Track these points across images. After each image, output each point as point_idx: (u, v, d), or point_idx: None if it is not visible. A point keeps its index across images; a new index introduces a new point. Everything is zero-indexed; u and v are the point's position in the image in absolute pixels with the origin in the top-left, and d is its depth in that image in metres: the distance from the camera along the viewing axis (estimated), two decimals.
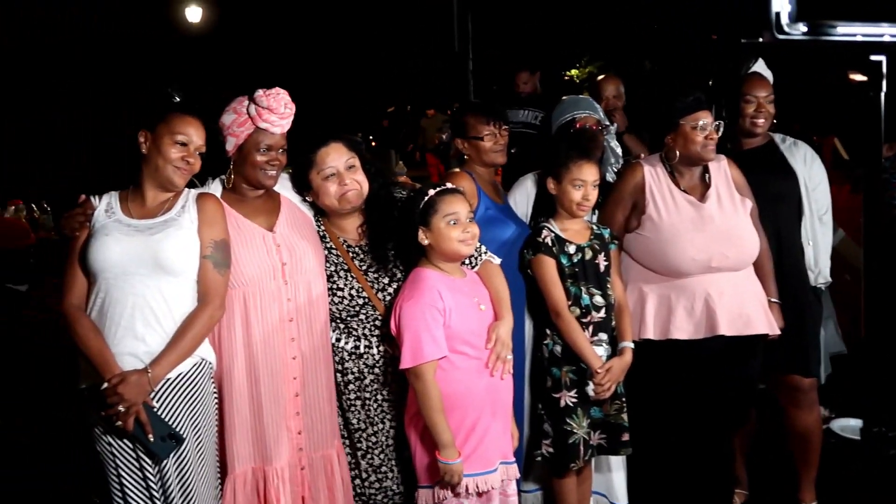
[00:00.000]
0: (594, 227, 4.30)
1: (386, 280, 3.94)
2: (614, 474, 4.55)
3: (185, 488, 3.48)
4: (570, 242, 4.17)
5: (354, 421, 3.95)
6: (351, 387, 3.94)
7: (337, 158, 3.88)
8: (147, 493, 3.48)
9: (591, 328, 4.11)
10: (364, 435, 3.95)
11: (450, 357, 3.65)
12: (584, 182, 4.12)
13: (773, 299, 4.40)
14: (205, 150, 3.61)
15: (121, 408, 3.32)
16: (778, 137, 4.89)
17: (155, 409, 3.41)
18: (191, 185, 3.73)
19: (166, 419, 3.42)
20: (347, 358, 3.93)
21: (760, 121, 4.74)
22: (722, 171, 4.40)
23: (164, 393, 3.45)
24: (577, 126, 4.64)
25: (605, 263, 4.21)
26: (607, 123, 4.81)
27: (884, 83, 5.06)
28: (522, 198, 4.60)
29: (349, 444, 3.98)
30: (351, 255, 3.95)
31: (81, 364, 3.50)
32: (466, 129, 4.43)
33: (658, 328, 4.24)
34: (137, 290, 3.44)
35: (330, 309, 3.91)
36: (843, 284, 5.93)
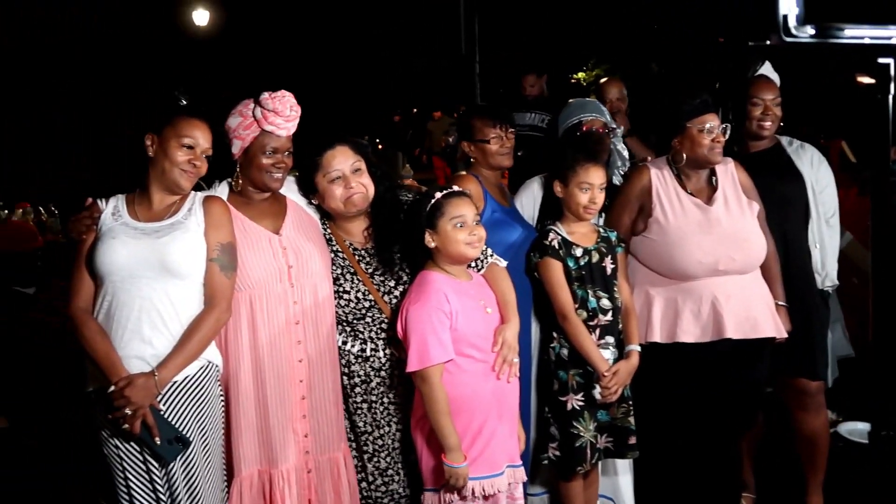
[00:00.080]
0: (601, 230, 4.29)
1: (392, 283, 3.94)
2: (621, 478, 4.54)
3: (192, 491, 3.49)
4: (577, 245, 4.17)
5: (361, 424, 3.95)
6: (357, 390, 3.94)
7: (343, 161, 3.88)
8: (154, 496, 3.48)
9: (597, 331, 4.11)
10: (370, 438, 3.95)
11: (456, 360, 3.65)
12: (591, 185, 4.12)
13: (780, 302, 4.40)
14: (211, 153, 3.61)
15: (127, 411, 3.32)
16: (785, 140, 4.88)
17: (162, 412, 3.41)
18: (197, 187, 3.73)
19: (173, 422, 3.43)
20: (354, 361, 3.93)
21: (767, 123, 4.73)
22: (729, 174, 4.39)
23: (170, 396, 3.45)
24: (584, 129, 4.63)
25: (612, 266, 4.21)
26: (614, 126, 4.80)
27: (892, 86, 5.04)
28: (529, 201, 4.60)
29: (355, 447, 3.98)
30: (357, 258, 3.96)
31: (88, 367, 3.51)
32: (473, 132, 4.43)
33: (665, 331, 4.24)
34: (144, 293, 3.45)
35: (336, 312, 3.91)
36: (850, 287, 5.92)
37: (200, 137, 3.57)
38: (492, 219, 4.23)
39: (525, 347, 4.18)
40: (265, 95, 3.75)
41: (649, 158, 4.93)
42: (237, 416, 3.74)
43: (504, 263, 4.02)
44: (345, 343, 3.94)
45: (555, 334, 4.18)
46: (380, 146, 23.24)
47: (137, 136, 3.62)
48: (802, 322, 4.55)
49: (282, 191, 3.95)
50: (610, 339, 4.12)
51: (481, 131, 4.40)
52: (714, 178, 4.37)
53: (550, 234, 4.17)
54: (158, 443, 3.37)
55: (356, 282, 3.92)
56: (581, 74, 19.41)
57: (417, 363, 3.58)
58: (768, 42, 4.99)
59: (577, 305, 4.10)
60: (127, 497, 3.50)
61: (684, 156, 4.29)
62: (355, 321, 3.92)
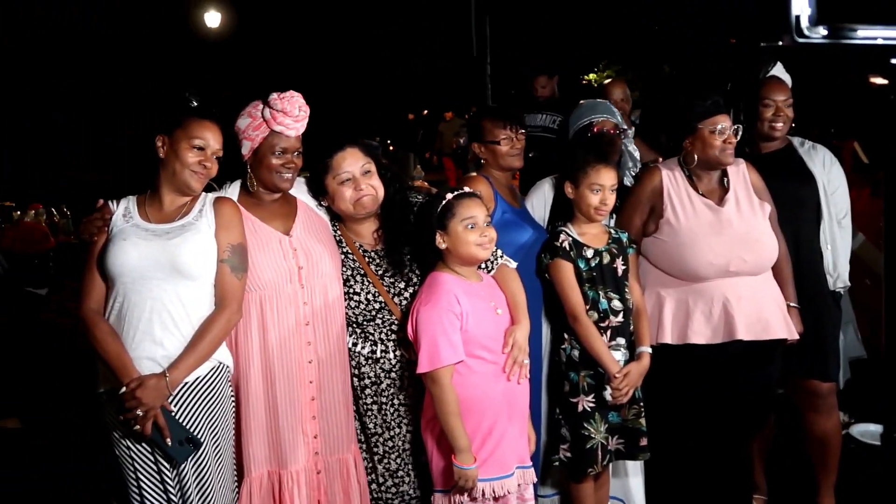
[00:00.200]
0: (612, 231, 4.29)
1: (402, 284, 3.94)
2: (632, 479, 4.53)
3: (204, 492, 3.49)
4: (588, 246, 4.16)
5: (371, 425, 3.95)
6: (367, 391, 3.94)
7: (353, 163, 3.88)
8: (165, 497, 3.49)
9: (608, 332, 4.10)
10: (381, 439, 3.95)
11: (466, 361, 3.64)
12: (602, 186, 4.11)
13: (791, 304, 4.39)
14: (222, 154, 3.62)
15: (139, 412, 3.33)
16: (796, 141, 4.87)
17: (173, 413, 3.42)
18: (209, 188, 3.74)
19: (184, 423, 3.43)
20: (364, 362, 3.93)
21: (779, 125, 4.72)
22: (740, 175, 4.38)
23: (182, 397, 3.46)
24: (595, 130, 4.63)
25: (623, 267, 4.20)
26: (625, 127, 4.80)
27: None
28: (539, 202, 4.60)
29: (366, 448, 3.99)
30: (367, 259, 3.96)
31: (100, 368, 3.52)
32: (483, 134, 4.42)
33: (676, 332, 4.23)
34: (155, 294, 3.45)
35: (346, 313, 3.91)
36: (863, 289, 5.91)
37: (211, 139, 3.57)
38: (502, 220, 4.23)
39: (535, 349, 4.18)
40: (274, 96, 3.75)
41: (660, 160, 4.93)
42: (247, 416, 3.74)
43: (514, 264, 4.02)
44: (355, 344, 3.94)
45: (566, 335, 4.18)
46: (391, 147, 23.26)
47: (145, 138, 3.63)
48: (814, 323, 4.54)
49: (292, 192, 3.96)
50: (621, 341, 4.11)
51: (491, 132, 4.40)
52: (726, 179, 4.36)
53: (561, 235, 4.16)
54: (170, 444, 3.38)
55: (366, 283, 3.92)
56: (592, 76, 19.41)
57: (428, 364, 3.58)
58: (780, 43, 4.98)
59: (588, 307, 4.10)
60: (138, 498, 3.50)
61: (696, 157, 4.29)
62: (365, 322, 3.92)
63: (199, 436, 3.45)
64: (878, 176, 6.69)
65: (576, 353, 4.13)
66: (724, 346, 4.17)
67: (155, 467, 3.48)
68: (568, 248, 4.13)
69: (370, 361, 3.93)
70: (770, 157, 4.75)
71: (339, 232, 4.01)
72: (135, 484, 3.50)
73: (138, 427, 3.35)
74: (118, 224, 3.57)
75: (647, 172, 4.48)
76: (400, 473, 3.97)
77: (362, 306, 3.91)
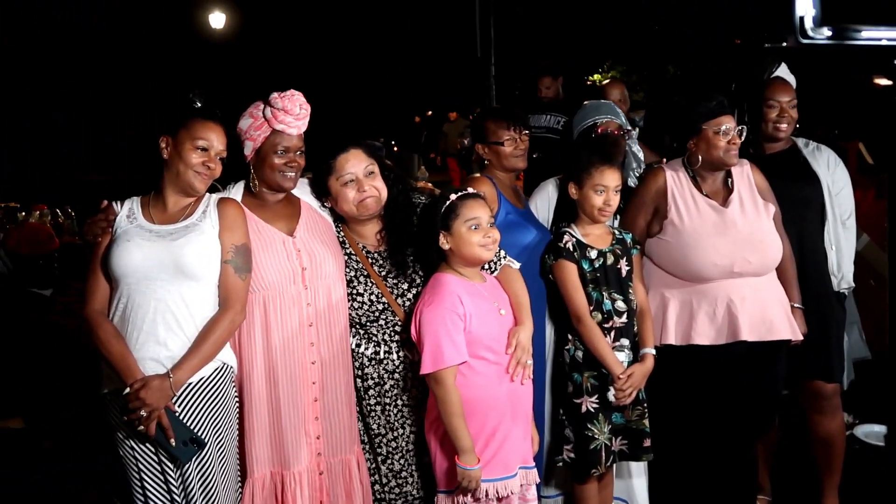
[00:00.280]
0: (616, 231, 4.29)
1: (405, 286, 3.94)
2: (635, 480, 4.53)
3: (207, 492, 3.49)
4: (592, 247, 4.16)
5: (375, 426, 3.96)
6: (371, 392, 3.94)
7: (356, 165, 3.88)
8: (169, 497, 3.49)
9: (612, 333, 4.10)
10: (384, 440, 3.96)
11: (470, 362, 3.64)
12: (606, 187, 4.11)
13: (795, 304, 4.38)
14: (226, 155, 3.62)
15: (143, 413, 3.33)
16: (801, 142, 4.86)
17: (177, 414, 3.42)
18: (213, 189, 3.74)
19: (188, 423, 3.44)
20: (367, 363, 3.93)
21: (783, 125, 4.71)
22: (745, 176, 4.38)
23: (185, 397, 3.46)
24: (599, 131, 4.63)
25: (627, 268, 4.20)
26: (629, 128, 4.79)
27: None
28: (543, 203, 4.59)
29: (369, 449, 3.99)
30: (370, 260, 3.96)
31: (104, 369, 3.52)
32: (487, 135, 4.42)
33: (680, 333, 4.23)
34: (159, 295, 3.46)
35: (349, 314, 3.92)
36: (867, 289, 5.90)
37: (215, 139, 3.58)
38: (506, 221, 4.23)
39: (539, 349, 4.18)
40: (274, 95, 3.76)
41: (664, 160, 4.92)
42: (250, 417, 3.75)
43: (517, 265, 4.02)
44: (358, 345, 3.94)
45: (569, 336, 4.18)
46: (395, 148, 23.27)
47: (149, 139, 3.63)
48: (818, 324, 4.53)
49: (296, 193, 3.96)
50: (625, 342, 4.11)
51: (495, 133, 4.40)
52: (730, 180, 4.36)
53: (565, 236, 4.16)
54: (174, 444, 3.38)
55: (369, 284, 3.92)
56: (597, 76, 19.39)
57: (431, 365, 3.58)
58: (785, 44, 4.98)
59: (591, 308, 4.10)
60: (142, 498, 3.51)
61: (700, 158, 4.28)
62: (369, 324, 3.92)
63: (202, 436, 3.45)
64: (883, 177, 6.68)
65: (579, 353, 4.13)
66: (728, 347, 4.17)
67: (159, 468, 3.48)
68: (572, 249, 4.13)
69: (373, 362, 3.93)
70: (774, 157, 4.74)
71: (342, 233, 4.01)
72: (138, 484, 3.51)
73: (142, 427, 3.36)
74: (122, 225, 3.57)
75: (650, 173, 4.48)
76: (403, 474, 3.97)
77: (365, 307, 3.91)
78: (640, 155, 4.93)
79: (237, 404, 3.70)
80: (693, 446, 4.29)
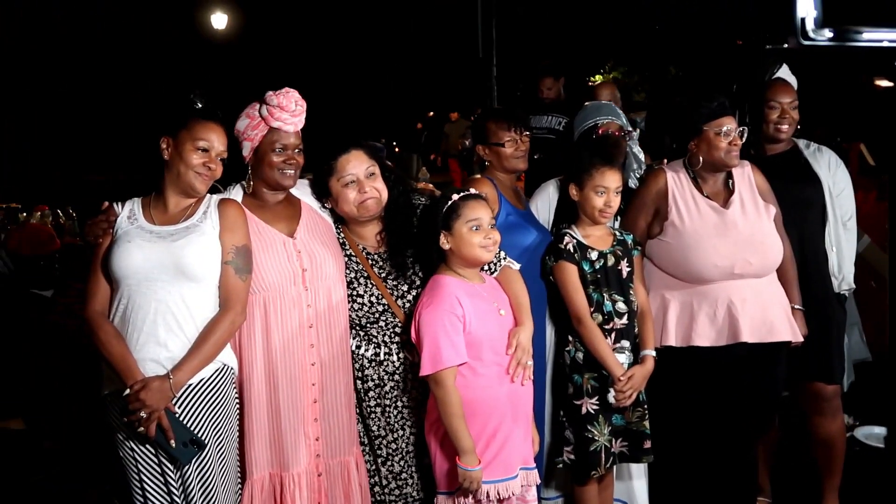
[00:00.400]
0: (617, 233, 4.28)
1: (405, 287, 3.94)
2: (636, 482, 4.53)
3: (207, 493, 3.49)
4: (593, 249, 4.16)
5: (375, 428, 3.95)
6: (371, 394, 3.94)
7: (357, 166, 3.88)
8: (169, 499, 3.49)
9: (613, 335, 4.10)
10: (384, 442, 3.95)
11: (470, 363, 3.64)
12: (607, 188, 4.11)
13: (796, 306, 4.38)
14: (226, 155, 3.63)
15: (143, 414, 3.33)
16: (802, 143, 4.86)
17: (177, 415, 3.42)
18: (214, 190, 3.74)
19: (188, 425, 3.43)
20: (367, 365, 3.93)
21: (784, 127, 4.71)
22: (746, 177, 4.37)
23: (186, 398, 3.46)
24: (600, 132, 4.62)
25: (628, 269, 4.20)
26: (630, 129, 4.79)
27: None
28: (544, 204, 4.59)
29: (369, 450, 3.99)
30: (370, 262, 3.96)
31: (104, 370, 3.52)
32: (488, 136, 4.42)
33: (680, 335, 4.22)
34: (159, 296, 3.46)
35: (350, 316, 3.92)
36: (868, 291, 5.89)
37: (215, 140, 3.58)
38: (506, 222, 4.23)
39: (539, 350, 4.18)
40: (270, 93, 3.77)
41: (665, 161, 4.92)
42: (249, 418, 3.75)
43: (517, 266, 4.02)
44: (358, 347, 3.94)
45: (570, 338, 4.18)
46: (396, 149, 23.28)
47: (150, 140, 3.63)
48: (819, 326, 4.54)
49: (296, 194, 3.96)
50: (625, 343, 4.11)
51: (496, 134, 4.40)
52: (731, 181, 4.36)
53: (565, 237, 4.16)
54: (173, 445, 3.38)
55: (369, 286, 3.92)
56: (598, 77, 19.37)
57: (430, 367, 3.58)
58: (786, 45, 4.97)
59: (592, 309, 4.09)
60: (141, 499, 3.51)
61: (701, 159, 4.28)
62: (369, 325, 3.92)
63: (202, 437, 3.45)
64: (884, 178, 6.68)
65: (580, 355, 4.13)
66: (729, 348, 4.17)
67: (158, 469, 3.48)
68: (572, 251, 4.12)
69: (373, 364, 3.93)
70: (775, 159, 4.75)
71: (342, 234, 4.01)
72: (138, 485, 3.50)
73: (142, 429, 3.36)
74: (123, 226, 3.57)
75: (651, 174, 4.48)
76: (403, 476, 3.97)
77: (365, 309, 3.91)
78: (641, 156, 4.93)
79: (237, 406, 3.70)
80: (693, 448, 4.29)
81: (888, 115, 5.26)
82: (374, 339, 3.93)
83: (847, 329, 5.01)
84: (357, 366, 3.94)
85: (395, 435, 3.95)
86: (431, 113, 24.69)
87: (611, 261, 4.17)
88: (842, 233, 4.79)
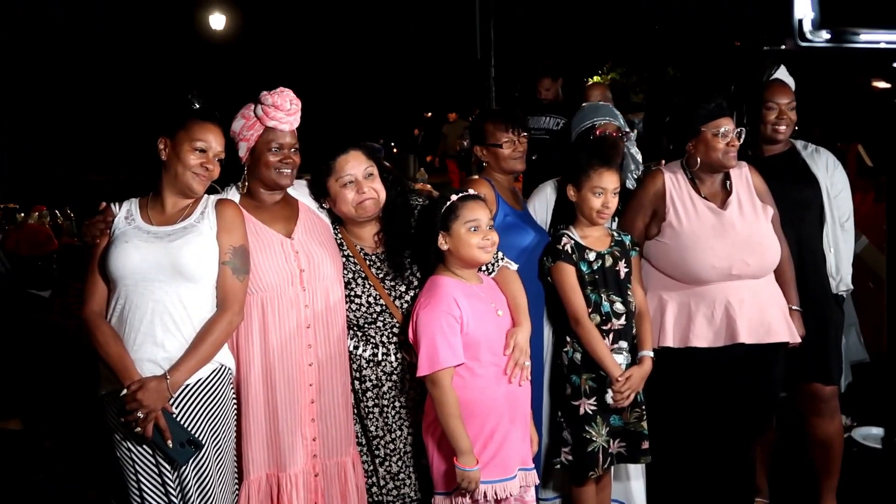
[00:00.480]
0: (614, 233, 4.28)
1: (403, 288, 3.94)
2: (633, 482, 4.53)
3: (204, 494, 3.49)
4: (590, 249, 4.16)
5: (372, 428, 3.96)
6: (369, 394, 3.94)
7: (356, 166, 3.88)
8: (166, 499, 3.49)
9: (611, 336, 4.10)
10: (382, 442, 3.95)
11: (468, 364, 3.65)
12: (605, 189, 4.11)
13: (794, 307, 4.38)
14: (224, 156, 3.63)
15: (140, 414, 3.33)
16: (800, 144, 4.87)
17: (174, 415, 3.42)
18: (211, 191, 3.74)
19: (185, 425, 3.43)
20: (365, 365, 3.93)
21: (782, 128, 4.71)
22: (743, 178, 4.38)
23: (183, 399, 3.46)
24: (597, 133, 4.62)
25: (626, 270, 4.20)
26: (627, 130, 4.79)
27: None
28: (541, 205, 4.60)
29: (367, 451, 3.99)
30: (368, 262, 3.96)
31: (101, 370, 3.52)
32: (485, 136, 4.42)
33: (678, 336, 4.23)
34: (157, 296, 3.46)
35: (347, 316, 3.92)
36: (866, 292, 5.89)
37: (213, 141, 3.58)
38: (504, 223, 4.23)
39: (537, 351, 4.18)
40: (264, 93, 3.77)
41: (663, 162, 4.92)
42: (247, 419, 3.74)
43: (515, 266, 4.02)
44: (356, 347, 3.94)
45: (568, 338, 4.18)
46: (394, 150, 23.29)
47: (148, 140, 3.63)
48: (817, 326, 4.54)
49: (294, 194, 3.96)
50: (623, 344, 4.11)
51: (494, 135, 4.40)
52: (728, 182, 4.36)
53: (563, 238, 4.16)
54: (170, 446, 3.38)
55: (367, 286, 3.92)
56: (596, 78, 19.37)
57: (427, 367, 3.58)
58: (784, 46, 4.98)
59: (590, 310, 4.10)
60: (138, 499, 3.50)
61: (699, 160, 4.29)
62: (366, 325, 3.92)
63: (200, 438, 3.45)
64: (882, 180, 6.68)
65: (578, 356, 4.13)
66: (726, 349, 4.17)
67: (156, 469, 3.48)
68: (570, 251, 4.13)
69: (371, 364, 3.93)
70: (773, 160, 4.75)
71: (340, 235, 4.01)
72: (135, 486, 3.50)
73: (139, 429, 3.35)
74: (120, 226, 3.57)
75: (649, 175, 4.48)
76: (401, 476, 3.97)
77: (363, 309, 3.91)
78: (639, 157, 4.93)
79: (235, 406, 3.70)
80: (691, 449, 4.29)
81: (886, 117, 5.26)
82: (372, 340, 3.93)
83: (844, 330, 5.02)
84: (355, 366, 3.94)
85: (393, 435, 3.95)
86: (429, 114, 24.70)
87: (609, 262, 4.17)
88: (839, 234, 4.80)
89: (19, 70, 19.43)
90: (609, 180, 4.12)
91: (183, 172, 3.54)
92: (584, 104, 4.93)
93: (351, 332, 3.94)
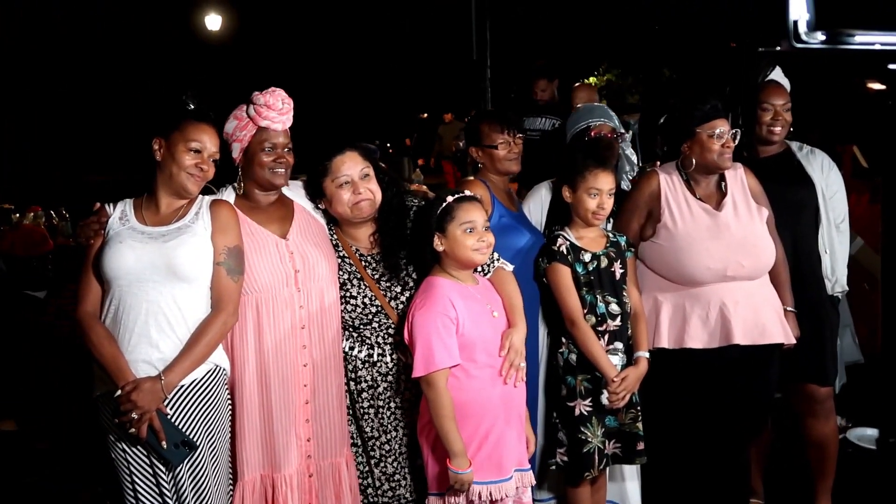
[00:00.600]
0: (610, 234, 4.28)
1: (398, 288, 3.94)
2: (628, 483, 4.54)
3: (199, 494, 3.49)
4: (586, 250, 4.16)
5: (368, 429, 3.95)
6: (364, 395, 3.94)
7: (352, 167, 3.88)
8: (161, 500, 3.48)
9: (606, 337, 4.10)
10: (377, 443, 3.95)
11: (463, 365, 3.64)
12: (600, 190, 4.11)
13: (788, 308, 4.38)
14: (219, 157, 3.62)
15: (134, 415, 3.32)
16: (795, 145, 4.87)
17: (168, 416, 3.41)
18: (207, 191, 3.74)
19: (180, 426, 3.43)
20: (361, 366, 3.93)
21: (777, 129, 4.71)
22: (738, 179, 4.38)
23: (177, 400, 3.46)
24: (592, 134, 4.63)
25: (622, 271, 4.20)
26: (622, 131, 4.79)
27: None
28: (537, 206, 4.60)
29: (362, 451, 3.99)
30: (363, 263, 3.96)
31: (96, 371, 3.51)
32: (481, 138, 4.43)
33: (672, 337, 4.23)
34: (151, 296, 3.45)
35: (343, 317, 3.92)
36: (861, 293, 5.90)
37: (208, 141, 3.57)
38: (499, 224, 4.23)
39: (532, 352, 4.18)
40: (256, 93, 3.77)
41: (658, 163, 4.92)
42: (241, 419, 3.74)
43: (510, 267, 4.02)
44: (352, 348, 3.94)
45: (563, 339, 4.18)
46: (390, 150, 23.28)
47: (143, 140, 3.63)
48: (812, 327, 4.54)
49: (289, 195, 3.96)
50: (619, 345, 4.11)
51: (489, 137, 4.40)
52: (723, 184, 4.36)
53: (559, 239, 4.16)
54: (165, 447, 3.37)
55: (363, 287, 3.92)
56: (592, 79, 19.38)
57: (423, 368, 3.58)
58: (779, 48, 4.98)
59: (585, 311, 4.09)
60: (133, 500, 3.50)
61: (694, 161, 4.28)
62: (362, 326, 3.92)
63: (194, 439, 3.44)
64: (877, 181, 6.69)
65: (573, 357, 4.13)
66: (721, 350, 4.17)
67: (150, 470, 3.47)
68: (565, 252, 4.12)
69: (367, 365, 3.93)
70: (768, 161, 4.75)
71: (335, 236, 4.01)
72: (130, 487, 3.50)
73: (134, 430, 3.35)
74: (114, 227, 3.57)
75: (644, 176, 4.48)
76: (396, 477, 3.97)
77: (359, 310, 3.91)
78: (634, 158, 4.94)
79: (230, 407, 3.70)
80: (686, 450, 4.29)
81: (881, 118, 5.27)
82: (368, 341, 3.93)
83: (839, 331, 5.02)
84: (350, 367, 3.94)
85: (389, 436, 3.95)
86: (425, 114, 24.71)
87: (604, 262, 4.17)
88: (835, 235, 4.80)
89: (19, 70, 19.39)
90: (604, 181, 4.12)
91: (177, 173, 3.54)
92: (578, 105, 4.94)
93: (346, 332, 3.94)
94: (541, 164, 5.02)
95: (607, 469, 4.26)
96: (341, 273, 3.93)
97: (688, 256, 4.19)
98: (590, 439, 4.08)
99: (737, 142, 4.27)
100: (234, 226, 3.64)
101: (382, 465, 3.96)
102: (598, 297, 4.12)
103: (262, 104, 3.73)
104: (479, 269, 3.92)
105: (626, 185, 4.74)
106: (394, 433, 3.95)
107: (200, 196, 3.67)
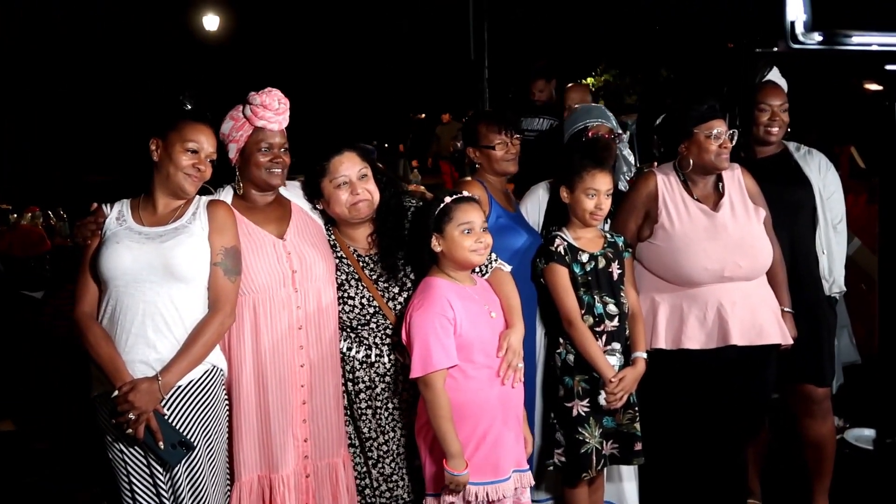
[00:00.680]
0: (607, 235, 4.28)
1: (396, 289, 3.94)
2: (626, 484, 4.54)
3: (196, 495, 3.49)
4: (583, 251, 4.16)
5: (366, 430, 3.95)
6: (362, 396, 3.94)
7: (350, 167, 3.88)
8: (158, 500, 3.48)
9: (604, 337, 4.10)
10: (375, 444, 3.95)
11: (461, 366, 3.64)
12: (598, 191, 4.11)
13: (786, 309, 4.38)
14: (216, 157, 3.62)
15: (131, 416, 3.32)
16: (792, 146, 4.87)
17: (166, 417, 3.41)
18: (204, 192, 3.74)
19: (177, 426, 3.43)
20: (358, 367, 3.93)
21: (774, 129, 4.72)
22: (735, 180, 4.38)
23: (175, 400, 3.46)
24: (590, 134, 4.63)
25: (619, 272, 4.20)
26: (620, 132, 4.79)
27: None
28: (534, 206, 4.60)
29: (360, 452, 3.99)
30: (361, 264, 3.96)
31: (93, 371, 3.51)
32: (478, 138, 4.43)
33: (670, 338, 4.23)
34: (148, 297, 3.45)
35: (340, 318, 3.92)
36: (858, 294, 5.90)
37: (205, 142, 3.57)
38: (497, 224, 4.23)
39: (530, 353, 4.18)
40: (252, 93, 3.77)
41: (656, 164, 4.92)
42: (238, 420, 3.74)
43: (508, 268, 4.02)
44: (349, 349, 3.94)
45: (561, 340, 4.17)
46: (386, 147, 23.28)
47: (141, 141, 3.63)
48: (809, 328, 4.54)
49: (287, 195, 3.96)
50: (616, 346, 4.11)
51: (486, 137, 4.40)
52: (721, 184, 4.36)
53: (556, 239, 4.16)
54: (162, 447, 3.37)
55: (360, 288, 3.92)
56: (590, 79, 19.40)
57: (420, 369, 3.58)
58: (776, 49, 4.98)
59: (583, 311, 4.09)
60: (130, 500, 3.50)
61: (691, 161, 4.29)
62: (359, 327, 3.92)
63: (192, 439, 3.44)
64: (874, 181, 6.70)
65: (571, 357, 4.13)
66: (719, 351, 4.17)
67: (148, 470, 3.47)
68: (563, 253, 4.12)
69: (364, 366, 3.93)
70: (766, 161, 4.75)
71: (333, 236, 4.01)
72: (127, 487, 3.50)
73: (131, 430, 3.35)
74: (111, 227, 3.57)
75: (642, 177, 4.48)
76: (394, 478, 3.97)
77: (356, 311, 3.91)
78: (631, 158, 4.94)
79: (227, 407, 3.70)
80: (683, 450, 4.30)
81: (878, 119, 5.27)
82: (366, 341, 3.93)
83: (837, 331, 5.02)
84: (348, 367, 3.94)
85: (386, 437, 3.95)
86: (423, 115, 24.70)
87: (601, 263, 4.17)
88: (832, 236, 4.80)
89: (19, 70, 19.38)
90: (602, 182, 4.12)
91: (175, 173, 3.54)
92: (575, 105, 4.94)
93: (344, 333, 3.94)
94: (538, 165, 5.02)
95: (605, 469, 4.26)
96: (339, 273, 3.93)
97: (685, 257, 4.19)
98: (587, 440, 4.08)
99: (734, 142, 4.27)
100: (232, 226, 3.64)
101: (380, 465, 3.96)
102: (596, 297, 4.12)
103: (258, 104, 3.73)
104: (477, 269, 3.92)
105: (623, 186, 4.74)
106: (391, 434, 3.95)
107: (197, 196, 3.67)
